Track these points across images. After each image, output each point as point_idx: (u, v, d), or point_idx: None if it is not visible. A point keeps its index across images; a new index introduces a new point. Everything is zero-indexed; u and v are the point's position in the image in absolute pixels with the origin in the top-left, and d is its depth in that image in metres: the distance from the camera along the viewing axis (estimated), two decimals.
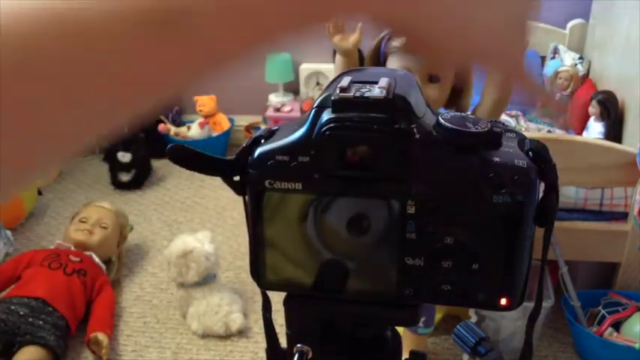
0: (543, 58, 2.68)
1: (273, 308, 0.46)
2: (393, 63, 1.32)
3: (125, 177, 2.90)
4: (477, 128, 0.34)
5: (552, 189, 0.35)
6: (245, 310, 2.06)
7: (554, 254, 1.65)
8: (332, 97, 0.34)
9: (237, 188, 0.39)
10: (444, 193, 0.35)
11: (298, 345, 0.42)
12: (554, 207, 0.35)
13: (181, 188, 2.92)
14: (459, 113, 0.36)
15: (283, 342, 0.43)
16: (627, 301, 1.78)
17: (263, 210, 0.38)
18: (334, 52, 1.51)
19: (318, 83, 3.06)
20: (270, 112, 3.03)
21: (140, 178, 2.93)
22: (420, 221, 0.35)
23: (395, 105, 0.34)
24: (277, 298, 0.44)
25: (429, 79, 1.30)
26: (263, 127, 3.03)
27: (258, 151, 0.37)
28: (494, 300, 0.36)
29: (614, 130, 2.10)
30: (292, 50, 3.04)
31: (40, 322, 1.82)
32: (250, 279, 0.41)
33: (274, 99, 3.10)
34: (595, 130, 2.16)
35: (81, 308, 2.00)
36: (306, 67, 3.05)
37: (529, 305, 0.43)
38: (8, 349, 1.77)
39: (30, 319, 1.81)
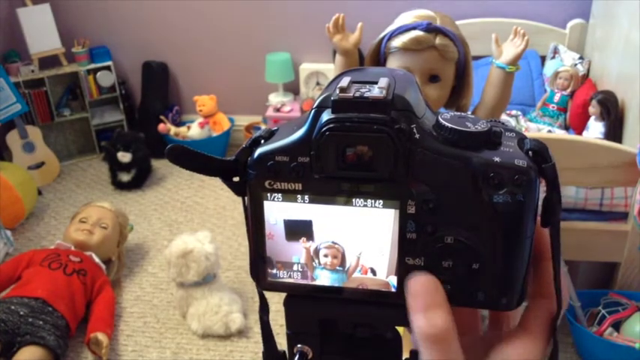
0: (543, 58, 2.68)
1: (273, 308, 0.46)
2: (393, 63, 1.32)
3: (125, 177, 2.90)
4: (476, 128, 0.34)
5: (553, 188, 0.35)
6: (245, 310, 2.06)
7: None
8: (331, 98, 0.34)
9: (237, 189, 0.39)
10: (443, 192, 0.34)
11: (298, 345, 0.42)
12: (556, 206, 0.35)
13: (181, 188, 2.92)
14: (458, 113, 0.36)
15: (282, 342, 0.43)
16: (627, 300, 1.78)
17: (263, 210, 0.38)
18: (334, 52, 1.51)
19: (318, 83, 3.06)
20: (270, 112, 3.03)
21: (140, 178, 2.94)
22: (420, 221, 0.35)
23: (394, 105, 0.34)
24: (277, 298, 0.44)
25: (429, 79, 1.30)
26: (263, 127, 3.03)
27: (258, 151, 0.37)
28: (494, 300, 0.36)
29: (615, 130, 2.10)
30: (292, 50, 3.04)
31: (40, 322, 1.82)
32: (250, 279, 0.41)
33: (274, 99, 3.10)
34: (595, 130, 2.16)
35: (81, 308, 2.00)
36: (306, 67, 3.05)
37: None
38: (8, 349, 1.77)
39: (30, 319, 1.81)
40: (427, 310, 0.33)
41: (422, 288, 0.34)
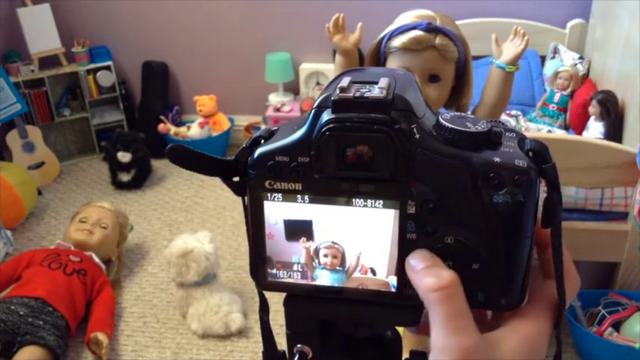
0: (543, 58, 2.68)
1: (273, 308, 0.46)
2: (393, 63, 1.32)
3: (125, 177, 2.90)
4: (476, 128, 0.34)
5: (554, 189, 0.35)
6: (245, 310, 2.06)
7: None
8: (332, 98, 0.34)
9: (237, 189, 0.39)
10: (443, 193, 0.34)
11: (298, 345, 0.42)
12: (557, 207, 0.35)
13: (181, 188, 2.92)
14: (458, 113, 0.36)
15: (282, 342, 0.43)
16: (627, 301, 1.78)
17: (263, 210, 0.38)
18: (334, 52, 1.51)
19: (318, 83, 3.06)
20: (270, 112, 3.03)
21: (140, 178, 2.94)
22: (420, 221, 0.35)
23: (395, 105, 0.34)
24: (277, 298, 0.44)
25: (428, 79, 1.30)
26: (263, 127, 3.03)
27: (258, 151, 0.37)
28: (494, 300, 0.36)
29: (615, 130, 2.10)
30: (292, 50, 3.04)
31: (40, 322, 1.82)
32: (250, 279, 0.41)
33: (274, 99, 3.10)
34: (595, 129, 2.16)
35: (81, 308, 2.00)
36: (306, 67, 3.05)
37: None
38: (8, 349, 1.77)
39: (30, 319, 1.81)
40: (431, 269, 0.34)
41: (420, 258, 0.35)
